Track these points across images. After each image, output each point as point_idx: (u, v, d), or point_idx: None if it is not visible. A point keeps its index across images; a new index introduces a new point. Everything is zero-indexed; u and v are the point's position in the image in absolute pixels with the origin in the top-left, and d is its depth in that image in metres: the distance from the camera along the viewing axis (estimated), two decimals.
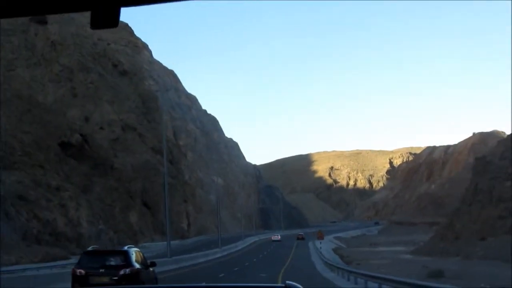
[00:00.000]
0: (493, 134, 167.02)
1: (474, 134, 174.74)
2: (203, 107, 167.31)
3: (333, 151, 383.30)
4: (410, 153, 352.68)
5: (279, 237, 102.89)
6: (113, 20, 2.44)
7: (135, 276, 17.35)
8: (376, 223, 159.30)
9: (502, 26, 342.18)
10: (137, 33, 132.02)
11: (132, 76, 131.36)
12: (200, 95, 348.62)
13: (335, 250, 69.24)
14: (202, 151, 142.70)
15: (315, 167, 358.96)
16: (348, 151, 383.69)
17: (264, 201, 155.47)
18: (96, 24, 2.46)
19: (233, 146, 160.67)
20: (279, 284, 2.42)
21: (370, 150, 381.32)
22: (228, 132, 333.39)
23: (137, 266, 17.88)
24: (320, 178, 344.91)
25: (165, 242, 51.37)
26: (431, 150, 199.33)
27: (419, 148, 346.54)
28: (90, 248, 19.53)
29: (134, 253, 18.30)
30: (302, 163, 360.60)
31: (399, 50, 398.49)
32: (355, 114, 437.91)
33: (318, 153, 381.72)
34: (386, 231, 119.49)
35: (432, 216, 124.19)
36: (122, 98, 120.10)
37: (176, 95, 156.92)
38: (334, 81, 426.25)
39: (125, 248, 18.83)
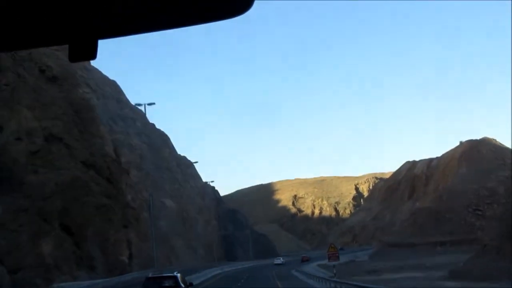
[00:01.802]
0: (484, 142, 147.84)
1: (461, 143, 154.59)
2: (151, 121, 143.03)
3: (296, 178, 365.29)
4: (376, 178, 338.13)
5: (281, 260, 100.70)
6: (91, 53, 2.50)
7: None
8: (341, 249, 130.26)
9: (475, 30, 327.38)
10: None
11: (62, 82, 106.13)
12: (154, 114, 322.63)
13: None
14: (149, 169, 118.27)
15: (277, 196, 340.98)
16: (311, 178, 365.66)
17: (227, 227, 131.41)
18: (74, 56, 2.51)
19: (187, 165, 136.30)
20: None
21: (335, 177, 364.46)
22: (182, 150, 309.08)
23: (183, 286, 26.24)
24: (284, 207, 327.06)
25: (94, 281, 46.55)
26: (410, 165, 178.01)
27: (383, 174, 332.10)
28: (150, 275, 30.10)
29: (180, 277, 26.79)
30: (264, 192, 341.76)
31: (362, 79, 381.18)
32: (317, 141, 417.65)
33: (280, 181, 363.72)
34: (380, 255, 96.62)
35: (433, 234, 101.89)
36: (46, 103, 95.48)
37: (118, 107, 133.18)
38: (293, 108, 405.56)
39: (175, 273, 27.62)
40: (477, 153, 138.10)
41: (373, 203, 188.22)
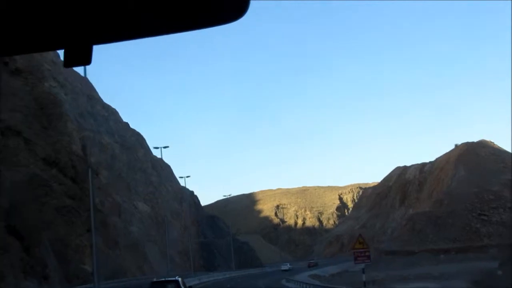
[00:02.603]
0: (482, 144, 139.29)
1: (457, 146, 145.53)
2: (125, 120, 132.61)
3: (278, 188, 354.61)
4: (361, 188, 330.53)
5: (288, 266, 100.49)
6: (86, 58, 2.54)
7: None
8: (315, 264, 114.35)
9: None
10: None
11: (27, 75, 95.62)
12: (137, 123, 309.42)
13: None
14: (122, 171, 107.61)
15: (259, 206, 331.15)
16: (294, 188, 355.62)
17: (206, 234, 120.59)
18: (69, 62, 2.56)
19: (163, 167, 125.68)
20: None
21: (318, 187, 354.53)
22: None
23: None
24: (266, 217, 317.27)
25: None
26: (401, 171, 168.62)
27: (366, 184, 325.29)
28: (154, 279, 31.37)
29: (180, 280, 29.25)
30: (246, 202, 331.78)
31: (347, 84, 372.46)
32: (299, 150, 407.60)
33: (263, 191, 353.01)
34: (376, 265, 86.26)
35: (435, 241, 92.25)
36: (6, 94, 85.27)
37: (88, 104, 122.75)
38: (276, 117, 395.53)
39: (177, 277, 30.50)
40: (475, 156, 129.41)
41: (361, 211, 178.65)
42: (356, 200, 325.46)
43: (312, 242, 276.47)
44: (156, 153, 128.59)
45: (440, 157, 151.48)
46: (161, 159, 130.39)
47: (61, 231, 72.53)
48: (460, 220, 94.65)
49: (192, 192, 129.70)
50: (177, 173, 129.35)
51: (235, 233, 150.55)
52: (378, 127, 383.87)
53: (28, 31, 2.47)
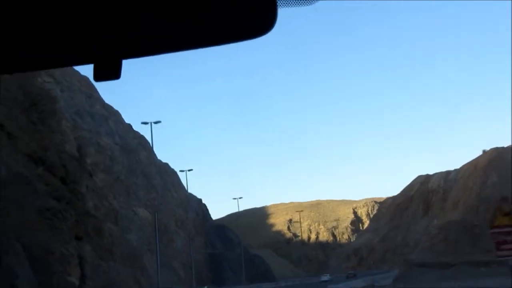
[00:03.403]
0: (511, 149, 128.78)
1: (485, 151, 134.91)
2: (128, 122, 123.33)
3: (291, 202, 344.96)
4: (375, 202, 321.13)
5: (328, 277, 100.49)
6: (115, 72, 2.59)
7: None
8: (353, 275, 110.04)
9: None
10: None
11: None
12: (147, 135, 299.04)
13: None
14: (121, 174, 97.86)
15: (272, 220, 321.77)
16: (307, 201, 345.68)
17: (215, 245, 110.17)
18: (99, 76, 2.60)
19: (169, 173, 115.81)
20: None
21: (331, 200, 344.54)
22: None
23: None
24: (278, 232, 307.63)
25: None
26: (423, 179, 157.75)
27: (381, 198, 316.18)
28: None
29: None
30: (258, 216, 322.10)
31: (361, 96, 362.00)
32: (312, 164, 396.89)
33: (275, 205, 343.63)
34: (407, 278, 76.07)
35: (472, 252, 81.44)
36: None
37: (87, 102, 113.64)
38: (287, 130, 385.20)
39: None
40: (507, 162, 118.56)
41: (380, 223, 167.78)
42: (371, 215, 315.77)
43: (325, 257, 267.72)
44: (160, 157, 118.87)
45: (466, 164, 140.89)
46: (167, 164, 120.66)
47: (43, 237, 62.65)
48: None
49: (200, 200, 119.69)
50: (186, 184, 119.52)
51: (246, 246, 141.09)
52: (394, 140, 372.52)
53: (58, 46, 2.49)
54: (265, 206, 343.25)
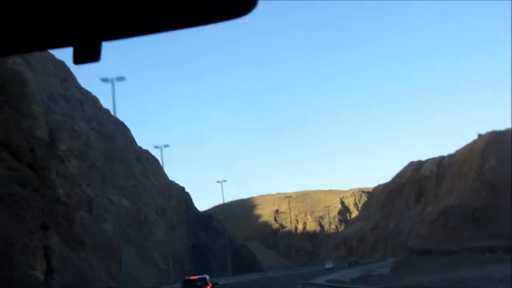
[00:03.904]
0: (510, 133, 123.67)
1: (480, 136, 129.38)
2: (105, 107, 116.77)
3: (278, 193, 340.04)
4: (363, 191, 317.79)
5: (332, 265, 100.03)
6: (96, 55, 2.55)
7: None
8: (356, 263, 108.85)
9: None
10: None
11: None
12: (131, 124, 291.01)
13: None
14: (97, 160, 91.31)
15: (258, 211, 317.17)
16: (294, 192, 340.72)
17: (198, 235, 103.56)
18: (78, 59, 2.55)
19: (149, 160, 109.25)
20: None
21: (319, 190, 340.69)
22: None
23: (211, 284, 32.39)
24: (265, 223, 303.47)
25: None
26: (415, 166, 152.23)
27: (368, 188, 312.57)
28: (186, 278, 35.34)
29: (208, 278, 33.48)
30: (244, 207, 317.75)
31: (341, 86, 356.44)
32: (299, 154, 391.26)
33: (261, 196, 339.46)
34: (406, 267, 70.28)
35: (475, 238, 75.70)
36: None
37: (62, 86, 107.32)
38: (275, 121, 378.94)
39: (205, 275, 34.20)
40: (505, 145, 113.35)
41: (371, 211, 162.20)
42: (358, 204, 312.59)
43: (313, 247, 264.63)
44: (141, 143, 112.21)
45: (461, 149, 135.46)
46: (147, 151, 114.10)
47: (3, 226, 56.24)
48: (503, 213, 78.27)
49: (182, 188, 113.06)
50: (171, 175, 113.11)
51: (232, 237, 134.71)
52: (383, 127, 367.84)
53: (37, 29, 2.42)
54: (252, 197, 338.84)
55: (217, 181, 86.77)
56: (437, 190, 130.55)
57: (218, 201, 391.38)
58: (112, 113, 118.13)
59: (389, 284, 51.40)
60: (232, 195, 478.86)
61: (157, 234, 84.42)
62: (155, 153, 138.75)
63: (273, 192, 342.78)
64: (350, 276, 68.54)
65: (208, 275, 35.08)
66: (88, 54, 2.45)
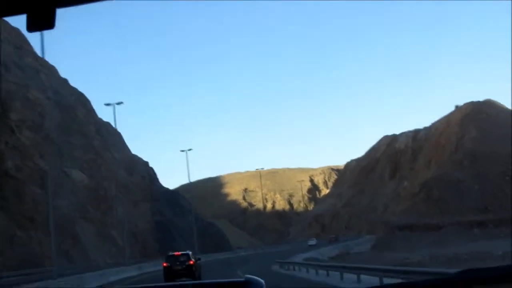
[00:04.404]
0: (489, 104, 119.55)
1: (458, 107, 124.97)
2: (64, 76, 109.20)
3: (246, 171, 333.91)
4: (332, 169, 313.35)
5: (315, 242, 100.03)
6: (49, 22, 2.46)
7: (194, 265, 33.88)
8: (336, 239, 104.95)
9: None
10: None
11: None
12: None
13: None
14: (52, 131, 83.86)
15: (226, 190, 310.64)
16: (262, 170, 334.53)
17: (163, 212, 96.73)
18: (32, 26, 2.48)
19: (111, 133, 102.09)
20: (239, 279, 2.47)
21: (287, 169, 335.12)
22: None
23: (193, 260, 34.54)
24: (233, 202, 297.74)
25: None
26: (389, 140, 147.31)
27: (338, 166, 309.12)
28: (169, 253, 35.87)
29: (191, 253, 35.39)
30: (212, 186, 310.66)
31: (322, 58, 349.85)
32: (268, 132, 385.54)
33: (229, 174, 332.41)
34: (388, 244, 64.76)
35: (460, 211, 70.51)
36: None
37: (16, 54, 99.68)
38: (242, 98, 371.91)
39: (188, 251, 36.04)
40: (485, 116, 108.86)
41: (344, 187, 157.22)
42: (328, 182, 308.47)
43: (282, 226, 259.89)
44: (105, 116, 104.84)
45: (437, 121, 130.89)
46: (108, 123, 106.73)
47: None
48: (489, 185, 73.24)
49: (146, 163, 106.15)
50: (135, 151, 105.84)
51: (200, 214, 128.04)
52: (351, 103, 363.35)
53: None
54: (220, 176, 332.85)
55: (181, 150, 78.85)
56: (413, 164, 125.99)
57: (185, 180, 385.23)
58: (71, 84, 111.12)
59: (376, 261, 45.72)
60: (200, 174, 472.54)
61: (118, 210, 77.75)
62: (123, 130, 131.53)
63: (242, 170, 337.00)
64: (329, 254, 63.04)
65: (191, 252, 36.96)
66: (41, 21, 2.34)
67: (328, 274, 30.01)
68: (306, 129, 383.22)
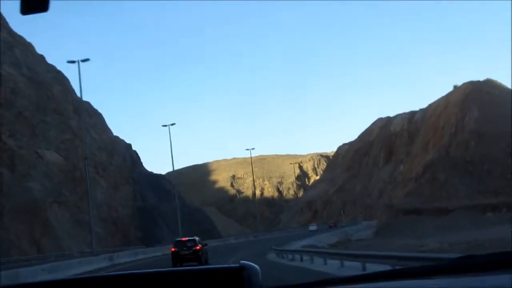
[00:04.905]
0: (490, 83, 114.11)
1: (456, 87, 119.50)
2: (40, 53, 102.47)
3: (234, 158, 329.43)
4: (321, 156, 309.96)
5: (316, 227, 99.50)
6: (43, 4, 2.43)
7: (200, 249, 34.42)
8: (334, 225, 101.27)
9: None
10: None
11: None
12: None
13: None
14: (26, 110, 77.39)
15: (214, 177, 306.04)
16: (251, 157, 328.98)
17: (146, 197, 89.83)
18: (26, 9, 2.44)
19: (90, 113, 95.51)
20: (233, 265, 2.43)
21: (276, 155, 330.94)
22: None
23: (200, 245, 34.90)
24: (222, 189, 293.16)
25: None
26: (384, 123, 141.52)
27: (326, 153, 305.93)
28: (177, 239, 37.34)
29: (198, 239, 35.74)
30: (199, 173, 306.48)
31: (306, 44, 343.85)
32: (256, 118, 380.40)
33: (217, 161, 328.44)
34: (393, 229, 58.86)
35: (468, 194, 64.79)
36: None
37: None
38: (229, 82, 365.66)
39: (194, 237, 36.28)
40: (487, 95, 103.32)
41: (337, 172, 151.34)
42: (317, 169, 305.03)
43: (271, 213, 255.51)
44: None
45: (435, 102, 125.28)
46: (88, 103, 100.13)
47: None
48: (498, 166, 67.44)
49: (129, 145, 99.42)
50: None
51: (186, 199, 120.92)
52: (342, 85, 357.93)
53: None
54: (207, 163, 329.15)
55: (163, 125, 71.51)
56: (410, 147, 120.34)
57: (169, 168, 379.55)
58: (48, 61, 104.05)
59: (382, 248, 39.76)
60: (187, 161, 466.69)
61: (96, 194, 71.27)
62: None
63: (229, 157, 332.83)
64: (328, 241, 57.04)
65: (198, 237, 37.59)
66: (36, 3, 2.31)
67: (343, 265, 23.96)
68: (295, 116, 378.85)
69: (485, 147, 72.57)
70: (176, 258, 34.43)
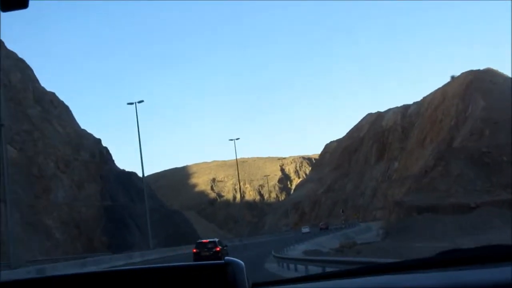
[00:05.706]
0: (490, 72, 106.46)
1: (454, 77, 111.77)
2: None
3: (214, 161, 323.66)
4: (304, 158, 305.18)
5: (308, 229, 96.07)
6: (23, 1, 2.42)
7: (220, 251, 35.23)
8: (326, 227, 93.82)
9: None
10: None
11: None
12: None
13: None
14: None
15: (194, 180, 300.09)
16: (231, 160, 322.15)
17: (115, 196, 78.92)
18: (6, 5, 2.42)
19: (55, 104, 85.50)
20: (218, 261, 2.49)
21: (257, 158, 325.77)
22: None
23: (220, 246, 36.14)
24: (201, 192, 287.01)
25: None
26: (375, 118, 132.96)
27: (309, 155, 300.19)
28: (198, 241, 38.31)
29: (217, 241, 37.08)
30: (179, 176, 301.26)
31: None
32: (236, 121, 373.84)
33: (197, 164, 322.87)
34: (405, 230, 49.40)
35: (488, 189, 56.01)
36: None
37: None
38: (210, 83, 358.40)
39: (215, 239, 38.01)
40: (490, 84, 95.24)
41: (324, 171, 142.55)
42: (299, 171, 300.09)
43: (253, 217, 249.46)
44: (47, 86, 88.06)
45: (430, 94, 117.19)
46: (53, 94, 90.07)
47: None
48: None
49: (98, 140, 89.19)
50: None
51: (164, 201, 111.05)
52: (328, 81, 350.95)
53: None
54: (187, 166, 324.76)
55: (128, 103, 59.80)
56: (405, 143, 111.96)
57: (149, 170, 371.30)
58: (34, 77, 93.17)
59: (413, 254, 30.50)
60: (166, 164, 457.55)
61: (57, 193, 61.55)
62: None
63: (209, 160, 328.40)
64: (330, 246, 47.76)
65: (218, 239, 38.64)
66: (15, 0, 2.30)
67: None
68: (277, 118, 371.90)
69: (500, 137, 64.16)
70: (197, 259, 34.23)
